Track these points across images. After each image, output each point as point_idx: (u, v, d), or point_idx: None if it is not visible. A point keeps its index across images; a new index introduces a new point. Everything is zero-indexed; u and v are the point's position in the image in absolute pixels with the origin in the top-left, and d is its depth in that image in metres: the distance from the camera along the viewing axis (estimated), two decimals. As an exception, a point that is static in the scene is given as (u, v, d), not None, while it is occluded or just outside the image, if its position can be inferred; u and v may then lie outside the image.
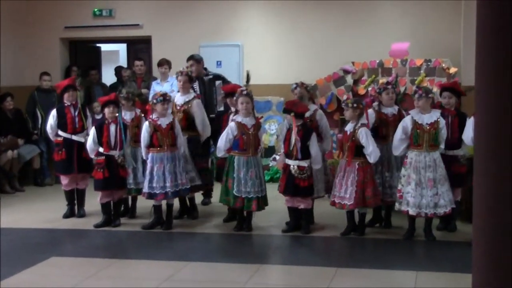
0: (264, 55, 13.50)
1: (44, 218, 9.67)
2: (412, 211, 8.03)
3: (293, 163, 8.39)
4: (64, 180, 9.73)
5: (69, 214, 9.74)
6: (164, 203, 8.93)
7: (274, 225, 8.96)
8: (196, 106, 9.36)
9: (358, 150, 8.19)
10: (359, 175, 8.17)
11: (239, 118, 8.61)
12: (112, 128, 8.95)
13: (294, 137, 8.34)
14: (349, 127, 8.28)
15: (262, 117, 9.06)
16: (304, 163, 8.37)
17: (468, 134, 7.93)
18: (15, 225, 9.25)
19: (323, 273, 6.96)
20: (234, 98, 8.76)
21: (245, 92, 8.59)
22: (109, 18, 14.29)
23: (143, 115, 9.48)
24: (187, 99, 9.37)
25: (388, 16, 13.09)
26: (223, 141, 8.63)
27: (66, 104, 9.67)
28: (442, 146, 8.17)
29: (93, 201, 9.43)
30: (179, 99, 9.43)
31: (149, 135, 8.76)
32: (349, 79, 11.56)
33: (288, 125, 8.65)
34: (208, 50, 13.25)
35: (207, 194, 10.42)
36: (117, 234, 8.81)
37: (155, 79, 12.53)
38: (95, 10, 14.27)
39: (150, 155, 8.80)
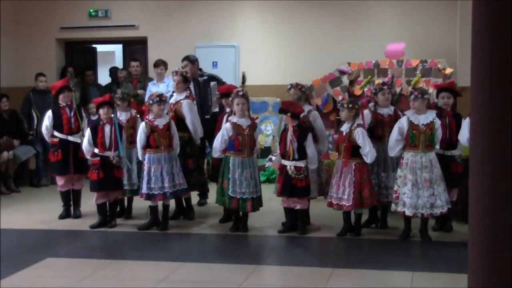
0: (260, 56, 13.50)
1: (40, 219, 9.65)
2: (408, 212, 8.03)
3: (289, 164, 8.39)
4: (60, 181, 9.73)
5: (65, 215, 9.73)
6: (160, 203, 8.93)
7: (270, 226, 8.96)
8: (186, 106, 9.29)
9: (354, 151, 8.19)
10: (356, 175, 8.18)
11: (234, 118, 8.62)
12: (107, 129, 8.94)
13: (289, 137, 8.33)
14: (344, 128, 8.29)
15: (257, 117, 9.04)
16: (300, 164, 8.37)
17: (464, 134, 7.95)
18: (11, 226, 9.23)
19: (319, 273, 6.96)
20: (230, 98, 8.75)
21: (240, 93, 8.59)
22: (105, 19, 14.28)
23: (138, 116, 9.47)
24: (178, 99, 9.35)
25: (384, 17, 13.10)
26: (218, 142, 8.64)
27: (61, 105, 9.67)
28: (438, 146, 8.18)
29: (89, 202, 9.43)
30: (173, 98, 9.43)
31: (146, 136, 8.75)
32: (345, 80, 11.58)
33: (284, 126, 8.67)
34: (204, 51, 13.25)
35: (203, 195, 10.42)
36: (113, 235, 8.80)
37: (151, 80, 12.52)
38: (91, 10, 14.26)
39: (147, 156, 8.78)
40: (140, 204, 9.34)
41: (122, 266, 7.46)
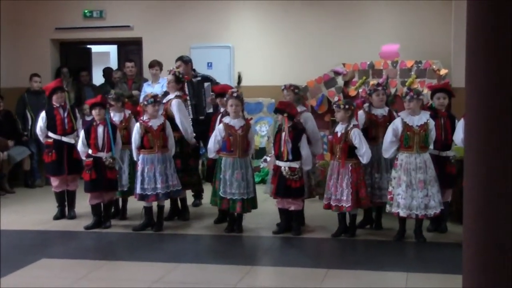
0: (255, 57, 13.50)
1: (35, 220, 9.64)
2: (402, 213, 8.04)
3: (284, 165, 8.40)
4: (54, 181, 9.72)
5: (60, 216, 9.72)
6: (155, 204, 8.93)
7: (265, 227, 8.95)
8: (174, 105, 9.27)
9: (350, 151, 8.20)
10: (353, 176, 8.18)
11: (227, 119, 8.63)
12: (100, 129, 8.93)
13: (284, 138, 8.33)
14: (339, 129, 8.28)
15: (251, 118, 9.02)
16: (295, 164, 8.37)
17: (458, 135, 7.98)
18: (5, 226, 9.20)
19: (314, 274, 6.96)
20: (225, 98, 8.75)
21: (235, 94, 8.59)
22: (100, 20, 14.26)
23: (132, 116, 9.47)
24: (168, 98, 9.35)
25: (379, 17, 13.10)
26: (212, 143, 8.67)
27: (55, 106, 9.65)
28: (431, 147, 8.20)
29: (84, 202, 9.42)
30: (165, 98, 9.43)
31: (140, 137, 8.75)
32: (340, 81, 11.59)
33: (278, 127, 8.68)
34: (199, 52, 13.25)
35: (198, 196, 10.41)
36: (107, 236, 8.79)
37: (146, 80, 12.52)
38: (86, 11, 14.24)
39: (141, 156, 8.78)
40: (135, 205, 9.33)
41: (117, 267, 7.45)
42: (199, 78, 10.58)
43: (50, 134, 9.61)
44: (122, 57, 14.97)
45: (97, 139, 8.91)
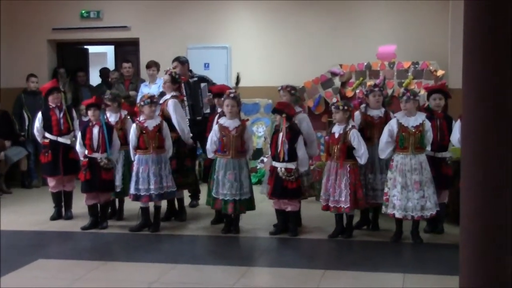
0: (252, 58, 13.49)
1: (31, 220, 9.63)
2: (398, 214, 8.05)
3: (280, 165, 8.39)
4: (51, 182, 9.72)
5: (57, 216, 9.71)
6: (151, 205, 8.92)
7: (261, 228, 8.95)
8: (170, 105, 9.27)
9: (349, 152, 8.20)
10: (351, 177, 8.19)
11: (222, 120, 8.63)
12: (95, 130, 8.94)
13: (282, 138, 8.33)
14: (337, 129, 8.27)
15: (248, 119, 8.99)
16: (291, 165, 8.37)
17: (456, 136, 8.00)
18: (2, 227, 9.19)
19: (310, 275, 6.96)
20: (222, 98, 8.75)
21: (232, 95, 8.58)
22: (97, 20, 14.25)
23: (129, 117, 9.46)
24: (165, 99, 9.35)
25: (376, 18, 13.10)
26: (209, 143, 8.70)
27: (51, 107, 9.65)
28: (428, 148, 8.19)
29: (81, 203, 9.41)
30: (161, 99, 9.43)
31: (137, 137, 8.75)
32: (337, 82, 11.59)
33: (275, 128, 8.68)
34: (196, 52, 13.26)
35: (195, 196, 10.41)
36: (104, 237, 8.79)
37: (143, 81, 12.52)
38: (83, 12, 14.23)
39: (136, 156, 8.81)
40: (131, 206, 9.33)
41: (114, 267, 7.44)
42: (195, 79, 10.57)
43: (47, 134, 9.61)
44: (119, 58, 14.95)
45: (92, 139, 8.93)
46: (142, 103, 8.80)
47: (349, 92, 11.38)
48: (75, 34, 14.37)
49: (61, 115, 9.61)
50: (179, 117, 9.29)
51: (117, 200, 9.65)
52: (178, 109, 9.35)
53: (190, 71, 10.71)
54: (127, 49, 15.15)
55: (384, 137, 8.17)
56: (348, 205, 8.15)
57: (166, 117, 9.16)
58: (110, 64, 15.96)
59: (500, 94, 3.74)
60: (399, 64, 11.18)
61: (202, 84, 10.51)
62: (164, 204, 9.28)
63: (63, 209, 9.79)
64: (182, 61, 10.48)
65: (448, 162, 8.44)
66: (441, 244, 8.11)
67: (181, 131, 9.26)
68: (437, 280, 6.72)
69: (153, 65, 12.00)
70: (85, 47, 15.48)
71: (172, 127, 9.16)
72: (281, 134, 8.37)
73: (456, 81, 10.16)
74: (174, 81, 9.40)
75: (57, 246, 8.55)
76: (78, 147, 9.09)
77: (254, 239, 8.63)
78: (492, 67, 3.72)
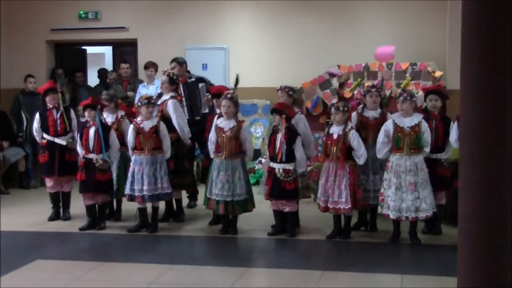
0: (250, 58, 13.49)
1: (29, 221, 9.63)
2: (392, 215, 8.07)
3: (278, 166, 8.39)
4: (48, 182, 9.72)
5: (55, 217, 9.70)
6: (149, 206, 8.92)
7: (259, 228, 8.94)
8: (170, 105, 9.29)
9: (348, 153, 8.20)
10: (351, 178, 8.19)
11: (219, 120, 8.64)
12: (91, 131, 8.95)
13: (281, 139, 8.32)
14: (335, 130, 8.26)
15: (243, 121, 8.95)
16: (289, 166, 8.37)
17: (453, 137, 8.01)
18: (0, 227, 9.20)
19: (309, 276, 6.96)
20: (221, 99, 8.75)
21: (228, 96, 8.58)
22: (95, 21, 14.25)
23: (125, 118, 9.45)
24: (163, 99, 9.35)
25: (374, 19, 13.11)
26: (209, 144, 8.75)
27: (48, 107, 9.64)
28: (427, 149, 8.15)
29: (79, 204, 9.41)
30: (161, 99, 9.43)
31: (134, 138, 8.77)
32: (335, 83, 11.60)
33: (272, 129, 8.69)
34: (194, 53, 13.26)
35: (193, 197, 10.41)
36: (102, 237, 8.79)
37: (141, 81, 12.53)
38: (81, 12, 14.23)
39: (133, 157, 8.83)
40: (129, 207, 9.32)
41: (112, 268, 7.43)
42: (193, 79, 10.58)
43: (44, 135, 9.60)
44: (117, 58, 14.95)
45: (88, 140, 8.94)
46: (139, 104, 8.82)
47: (347, 93, 11.39)
48: (73, 34, 14.37)
49: (58, 115, 9.59)
50: (179, 117, 9.31)
51: (115, 200, 9.63)
52: (178, 109, 9.37)
53: (188, 72, 10.71)
54: (125, 50, 15.14)
55: (381, 137, 8.19)
56: (349, 206, 8.15)
57: (165, 118, 9.17)
58: (108, 65, 15.96)
59: (498, 94, 3.74)
60: (397, 65, 11.19)
61: (200, 84, 10.52)
62: (162, 205, 9.27)
63: (61, 210, 9.78)
64: (180, 62, 10.48)
65: (443, 164, 8.42)
66: (439, 245, 8.11)
67: (181, 131, 9.27)
68: (435, 281, 6.72)
69: (151, 66, 12.00)
70: (83, 47, 15.47)
71: (171, 128, 9.17)
72: (279, 135, 8.37)
73: (454, 82, 10.16)
74: (172, 82, 9.42)
75: (55, 246, 8.54)
76: (77, 147, 9.14)
77: (252, 240, 8.63)
78: (490, 67, 3.73)
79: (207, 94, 9.91)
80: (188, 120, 9.77)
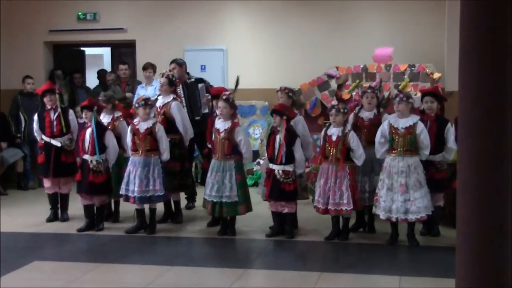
0: (249, 60, 13.50)
1: (27, 222, 9.62)
2: (382, 215, 8.09)
3: (277, 168, 8.39)
4: (46, 183, 9.72)
5: (53, 218, 9.70)
6: (147, 207, 8.92)
7: (257, 230, 8.94)
8: (175, 107, 9.31)
9: (348, 154, 8.21)
10: (350, 179, 8.19)
11: (217, 121, 8.65)
12: (88, 132, 8.96)
13: (281, 141, 8.31)
14: (334, 132, 8.24)
15: (237, 122, 8.88)
16: (288, 168, 8.37)
17: (452, 138, 8.03)
18: (-2, 229, 9.21)
19: (307, 277, 6.96)
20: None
21: (224, 97, 8.58)
22: (93, 22, 14.25)
23: (122, 119, 9.42)
24: (166, 101, 9.35)
25: (372, 21, 13.12)
26: (211, 145, 8.77)
27: (47, 108, 9.64)
28: (426, 152, 8.10)
29: (77, 205, 9.40)
30: (159, 101, 9.42)
31: (131, 139, 8.82)
32: (333, 84, 11.58)
33: (271, 130, 8.69)
34: (192, 54, 13.26)
35: (191, 198, 10.41)
36: (100, 238, 8.78)
37: (140, 83, 12.54)
38: (79, 13, 14.22)
39: (130, 158, 8.85)
40: (127, 208, 9.32)
41: (110, 269, 7.43)
42: (192, 80, 10.60)
43: (43, 135, 9.61)
44: (116, 60, 14.95)
45: (84, 141, 8.95)
46: (136, 105, 8.85)
47: (345, 95, 11.38)
48: (71, 36, 14.37)
49: (55, 117, 9.57)
50: (184, 119, 9.38)
51: (112, 201, 9.63)
52: (182, 110, 9.47)
53: (188, 73, 10.73)
54: (123, 51, 15.15)
55: (377, 137, 8.22)
56: (351, 206, 8.15)
57: (168, 119, 9.19)
58: (107, 66, 15.97)
59: (497, 95, 3.73)
60: (395, 66, 11.19)
61: (200, 85, 10.55)
62: (161, 206, 9.27)
63: (59, 211, 9.78)
64: (180, 63, 10.50)
65: (438, 166, 8.39)
66: (437, 247, 8.11)
67: (185, 131, 9.35)
68: (433, 282, 6.72)
69: (149, 67, 12.01)
70: (82, 48, 15.47)
71: (175, 129, 9.21)
72: (278, 136, 8.36)
73: (452, 83, 10.16)
74: (172, 83, 9.43)
75: (53, 248, 8.54)
76: (77, 147, 9.17)
77: (250, 241, 8.62)
78: (489, 68, 3.72)
79: (207, 94, 9.92)
80: (188, 120, 9.80)
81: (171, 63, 10.48)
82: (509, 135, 3.76)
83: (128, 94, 12.10)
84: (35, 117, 9.77)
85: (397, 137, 8.04)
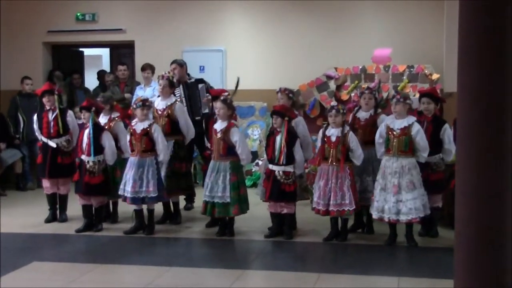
0: (247, 61, 13.50)
1: (26, 223, 9.61)
2: (375, 215, 8.12)
3: (278, 169, 8.38)
4: (45, 183, 9.71)
5: (51, 219, 9.69)
6: (145, 207, 8.92)
7: (256, 231, 8.94)
8: (179, 108, 9.38)
9: (347, 154, 8.21)
10: (351, 179, 8.20)
11: (216, 122, 8.67)
12: (85, 132, 8.96)
13: (283, 142, 8.31)
14: (334, 132, 8.22)
15: (233, 123, 8.86)
16: (289, 168, 8.36)
17: (451, 139, 8.03)
18: (-4, 229, 9.21)
19: (305, 278, 6.95)
20: (216, 101, 8.78)
21: (222, 98, 8.58)
22: (92, 23, 14.25)
23: (118, 119, 9.42)
24: (169, 103, 9.35)
25: (371, 22, 13.13)
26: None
27: (46, 109, 9.64)
28: (424, 154, 8.06)
29: (76, 205, 9.40)
30: (160, 103, 9.40)
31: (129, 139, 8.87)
32: (332, 85, 11.61)
33: (270, 130, 8.70)
34: (191, 55, 13.26)
35: (190, 199, 10.41)
36: (99, 239, 8.77)
37: (138, 83, 12.54)
38: (78, 14, 14.23)
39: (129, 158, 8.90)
40: (126, 208, 9.31)
41: (108, 270, 7.42)
42: (192, 80, 10.63)
43: (41, 136, 9.61)
44: (115, 60, 14.98)
45: (83, 142, 8.96)
46: (134, 106, 8.86)
47: (344, 96, 11.41)
48: (70, 36, 14.38)
49: (52, 118, 9.56)
50: (187, 119, 9.46)
51: (110, 202, 9.62)
52: (184, 111, 9.56)
53: (188, 74, 10.76)
54: (122, 52, 15.17)
55: (377, 137, 8.26)
56: (354, 206, 8.15)
57: (173, 121, 9.22)
58: (106, 67, 16.00)
59: (496, 96, 3.73)
60: (394, 67, 11.21)
61: (200, 85, 10.61)
62: (159, 206, 9.27)
63: (57, 212, 9.77)
64: (180, 64, 10.56)
65: (433, 167, 8.36)
66: (435, 248, 8.11)
67: (187, 132, 9.40)
68: (431, 283, 6.72)
69: (148, 68, 12.02)
70: (81, 49, 15.48)
71: (179, 130, 9.26)
72: (279, 137, 8.35)
73: (451, 84, 10.17)
74: (172, 85, 9.46)
75: (51, 248, 8.52)
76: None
77: (249, 242, 8.62)
78: (487, 68, 3.72)
79: (207, 94, 9.93)
80: (188, 120, 9.83)
81: (172, 63, 10.53)
82: (509, 135, 3.76)
83: (127, 95, 12.10)
84: (35, 117, 9.77)
85: (392, 137, 8.04)
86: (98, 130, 8.95)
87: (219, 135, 8.53)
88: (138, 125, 8.79)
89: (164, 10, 13.89)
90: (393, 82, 11.14)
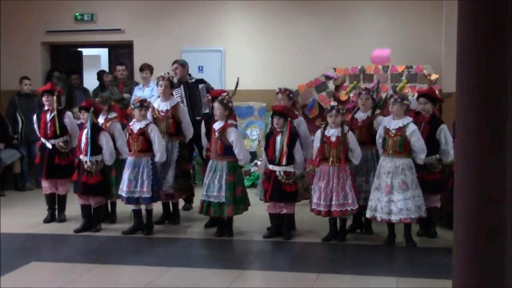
0: (246, 61, 13.50)
1: (25, 223, 9.61)
2: (368, 214, 8.16)
3: (279, 169, 8.37)
4: (44, 183, 9.70)
5: (50, 219, 9.68)
6: (143, 208, 8.92)
7: (255, 231, 8.94)
8: (183, 109, 9.48)
9: (347, 155, 8.22)
10: (351, 179, 8.20)
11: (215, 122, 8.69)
12: (84, 132, 8.97)
13: (285, 142, 8.30)
14: (333, 132, 8.21)
15: (229, 123, 8.84)
16: (290, 169, 8.36)
17: (450, 139, 8.03)
18: (-5, 229, 9.20)
19: (304, 278, 6.96)
20: (216, 102, 8.79)
21: (219, 98, 8.59)
22: (91, 23, 14.25)
23: (115, 120, 9.40)
24: (172, 104, 9.35)
25: (370, 22, 13.13)
26: None
27: (44, 109, 9.64)
28: (421, 156, 8.04)
29: (74, 206, 9.40)
30: (161, 105, 9.38)
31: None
32: (331, 85, 11.60)
33: (269, 131, 8.69)
34: (190, 55, 13.24)
35: (189, 200, 10.40)
36: (97, 239, 8.77)
37: (137, 84, 12.53)
38: (77, 14, 14.22)
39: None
40: (124, 208, 9.30)
41: (107, 270, 7.42)
42: (193, 80, 10.66)
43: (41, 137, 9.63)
44: (113, 60, 14.96)
45: (81, 141, 8.96)
46: (132, 106, 8.86)
47: (343, 96, 11.40)
48: (69, 36, 14.37)
49: (50, 118, 9.55)
50: (188, 119, 9.50)
51: (108, 202, 9.62)
52: (186, 111, 9.62)
53: (189, 75, 10.80)
54: (121, 52, 15.16)
55: (377, 137, 8.28)
56: (356, 206, 8.15)
57: (177, 121, 9.28)
58: (104, 67, 15.98)
59: (495, 96, 3.73)
60: (393, 67, 11.20)
61: (200, 85, 10.65)
62: (158, 207, 9.27)
63: (56, 212, 9.76)
64: (182, 64, 10.65)
65: (429, 167, 8.34)
66: (434, 248, 8.11)
67: (188, 132, 9.44)
68: (430, 283, 6.72)
69: (146, 68, 12.01)
70: (79, 49, 15.48)
71: (181, 131, 9.30)
72: (279, 138, 8.34)
73: (450, 84, 10.18)
74: (172, 85, 9.49)
75: (50, 248, 8.53)
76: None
77: (247, 242, 8.62)
78: (487, 69, 3.72)
79: (207, 94, 9.94)
80: (188, 120, 9.85)
81: (173, 63, 10.61)
82: (508, 135, 3.76)
83: (126, 95, 12.10)
84: (35, 117, 9.77)
85: (388, 138, 8.05)
86: (96, 130, 8.94)
87: (216, 134, 8.54)
88: (135, 125, 8.80)
89: (163, 10, 13.88)
90: (392, 83, 11.14)
